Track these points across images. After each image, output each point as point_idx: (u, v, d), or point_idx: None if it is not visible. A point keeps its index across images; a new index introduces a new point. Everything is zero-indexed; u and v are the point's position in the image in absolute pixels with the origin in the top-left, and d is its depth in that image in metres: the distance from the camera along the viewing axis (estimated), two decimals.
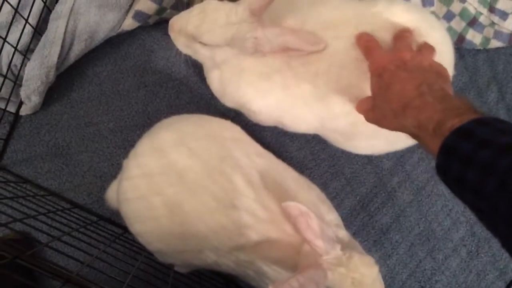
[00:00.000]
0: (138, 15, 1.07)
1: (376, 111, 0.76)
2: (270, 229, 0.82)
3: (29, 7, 1.01)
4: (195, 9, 0.86)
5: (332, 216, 0.90)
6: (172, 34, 0.89)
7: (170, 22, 0.89)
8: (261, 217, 0.82)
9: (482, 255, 1.20)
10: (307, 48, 0.83)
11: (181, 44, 0.90)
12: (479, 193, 0.50)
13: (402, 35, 0.81)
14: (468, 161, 0.51)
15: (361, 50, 0.82)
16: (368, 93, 0.79)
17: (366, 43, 0.81)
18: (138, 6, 1.06)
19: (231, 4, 0.85)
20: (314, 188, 0.94)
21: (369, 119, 0.80)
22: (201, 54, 0.90)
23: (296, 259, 0.81)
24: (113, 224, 1.09)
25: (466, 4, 1.19)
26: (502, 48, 1.26)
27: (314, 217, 0.70)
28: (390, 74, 0.72)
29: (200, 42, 0.86)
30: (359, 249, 0.86)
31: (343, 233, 0.87)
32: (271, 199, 0.83)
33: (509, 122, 0.54)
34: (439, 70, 0.73)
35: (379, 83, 0.74)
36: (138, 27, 1.11)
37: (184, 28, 0.86)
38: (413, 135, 0.67)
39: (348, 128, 0.93)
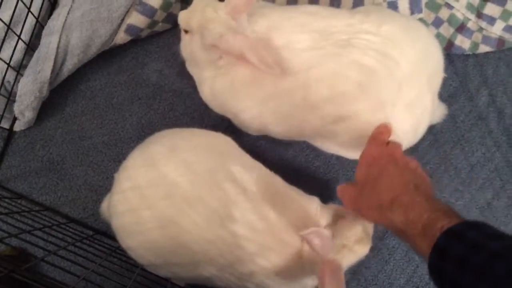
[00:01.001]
0: (130, 29, 1.08)
1: (361, 201, 0.75)
2: (267, 240, 0.82)
3: (22, 24, 1.02)
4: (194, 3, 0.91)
5: (323, 220, 0.91)
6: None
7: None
8: (257, 228, 0.82)
9: None
10: (262, 68, 0.84)
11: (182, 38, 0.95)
12: None
13: (383, 131, 0.81)
14: (462, 263, 0.52)
15: (372, 134, 0.81)
16: None
17: (377, 134, 0.81)
18: (130, 20, 1.07)
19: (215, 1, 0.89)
20: (302, 194, 0.95)
21: (352, 207, 0.79)
22: (182, 45, 0.95)
23: (298, 265, 0.83)
24: (109, 238, 1.08)
25: (454, 10, 1.21)
26: (491, 52, 1.27)
27: (328, 234, 0.75)
28: (381, 167, 0.72)
29: (182, 29, 0.91)
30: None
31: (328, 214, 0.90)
32: (266, 209, 0.84)
33: (494, 228, 0.55)
34: (423, 175, 0.73)
35: (367, 173, 0.74)
36: (131, 41, 1.12)
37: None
38: (399, 231, 0.67)
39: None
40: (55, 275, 1.05)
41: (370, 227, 0.91)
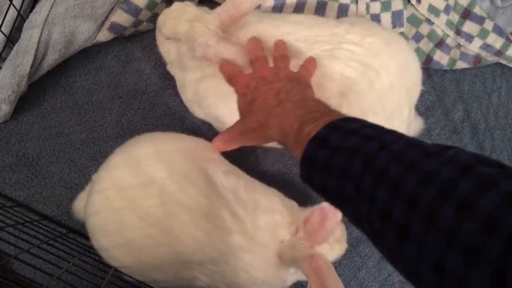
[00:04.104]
0: (114, 27, 1.07)
1: (246, 129, 0.74)
2: (254, 244, 0.85)
3: (3, 16, 1.00)
4: (174, 5, 0.91)
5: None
6: (156, 29, 0.96)
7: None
8: (248, 233, 0.85)
9: None
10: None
11: (157, 40, 0.97)
12: (342, 199, 0.51)
13: (255, 58, 0.81)
14: (327, 169, 0.52)
15: (226, 81, 0.81)
16: None
17: (228, 72, 0.80)
18: (114, 18, 1.06)
19: (203, 10, 0.91)
20: (283, 197, 0.97)
21: (244, 141, 0.78)
22: (165, 49, 0.96)
23: (277, 264, 0.87)
24: (83, 237, 1.07)
25: (434, 26, 1.24)
26: (468, 69, 1.31)
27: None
28: (252, 90, 0.72)
29: (165, 36, 0.92)
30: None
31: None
32: (255, 212, 0.87)
33: (358, 119, 0.54)
34: (298, 77, 0.74)
35: (244, 101, 0.74)
36: (114, 39, 1.11)
37: (158, 22, 0.93)
38: (282, 144, 0.67)
39: None
40: (25, 272, 1.03)
41: (344, 230, 0.95)
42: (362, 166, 0.47)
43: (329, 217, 0.81)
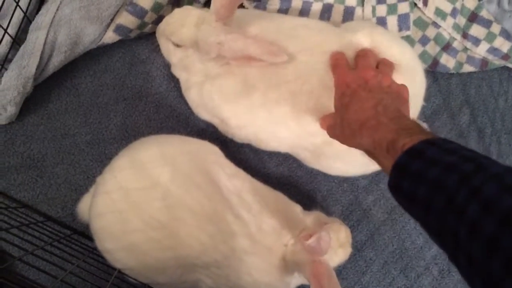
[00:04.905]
0: (120, 28, 1.07)
1: (337, 128, 0.78)
2: (261, 248, 0.85)
3: (9, 17, 1.00)
4: (175, 12, 0.93)
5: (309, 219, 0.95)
6: (157, 35, 0.98)
7: (158, 25, 0.97)
8: (254, 237, 0.85)
9: (454, 273, 1.23)
10: (269, 59, 0.85)
11: (161, 45, 0.98)
12: (429, 208, 0.52)
13: (364, 53, 0.84)
14: (419, 178, 0.54)
15: (330, 67, 0.85)
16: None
17: (335, 61, 0.84)
18: (119, 20, 1.06)
19: (203, 10, 0.91)
20: (288, 200, 0.98)
21: (331, 135, 0.82)
22: (174, 55, 0.96)
23: (282, 268, 0.86)
24: (87, 238, 1.07)
25: (440, 30, 1.23)
26: (474, 72, 1.31)
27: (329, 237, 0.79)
28: (351, 93, 0.74)
29: (174, 44, 0.93)
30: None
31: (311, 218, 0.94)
32: (260, 217, 0.87)
33: (455, 142, 0.57)
34: (398, 91, 0.75)
35: (341, 101, 0.76)
36: (119, 41, 1.11)
37: (162, 29, 0.94)
38: (369, 153, 0.69)
39: (317, 146, 0.95)
40: (29, 274, 1.03)
41: (349, 235, 0.94)
42: (458, 182, 0.48)
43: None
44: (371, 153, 0.68)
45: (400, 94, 0.75)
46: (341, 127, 0.75)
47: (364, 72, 0.78)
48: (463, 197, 0.47)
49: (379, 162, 0.67)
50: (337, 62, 0.84)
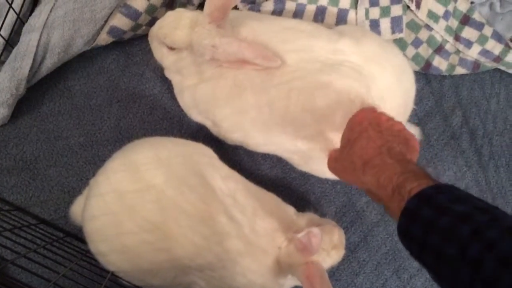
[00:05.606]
0: (113, 30, 1.07)
1: (339, 162, 0.78)
2: (255, 250, 0.85)
3: (2, 19, 1.00)
4: (168, 15, 0.92)
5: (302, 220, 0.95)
6: (149, 38, 0.97)
7: (151, 28, 0.96)
8: (248, 238, 0.85)
9: None
10: (263, 63, 0.85)
11: (153, 48, 0.97)
12: (440, 257, 0.52)
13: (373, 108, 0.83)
14: (430, 226, 0.54)
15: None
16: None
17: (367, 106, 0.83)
18: (113, 22, 1.06)
19: (197, 12, 0.91)
20: (281, 201, 0.98)
21: (330, 167, 0.82)
22: (166, 59, 0.95)
23: (276, 269, 0.87)
24: (80, 241, 1.07)
25: (433, 32, 1.24)
26: (466, 75, 1.31)
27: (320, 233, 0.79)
28: (361, 129, 0.74)
29: (167, 47, 0.92)
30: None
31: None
32: (254, 219, 0.87)
33: (462, 191, 0.57)
34: (407, 138, 0.75)
35: (348, 135, 0.76)
36: (113, 42, 1.11)
37: (155, 32, 0.93)
38: (371, 193, 0.70)
39: (303, 151, 0.96)
40: (22, 277, 1.03)
41: (343, 236, 0.94)
42: (471, 233, 0.48)
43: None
44: (374, 194, 0.68)
45: (409, 141, 0.75)
46: (342, 162, 0.76)
47: (381, 114, 0.78)
48: (476, 250, 0.47)
49: (380, 201, 0.67)
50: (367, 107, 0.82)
